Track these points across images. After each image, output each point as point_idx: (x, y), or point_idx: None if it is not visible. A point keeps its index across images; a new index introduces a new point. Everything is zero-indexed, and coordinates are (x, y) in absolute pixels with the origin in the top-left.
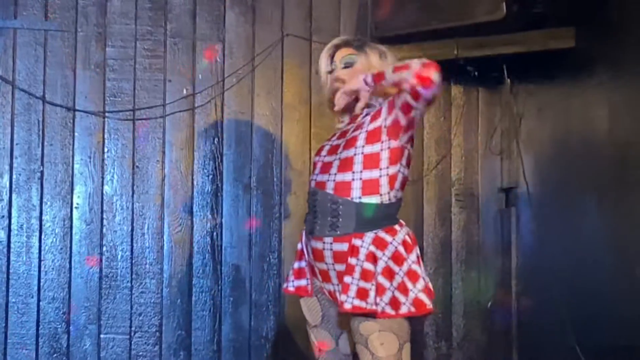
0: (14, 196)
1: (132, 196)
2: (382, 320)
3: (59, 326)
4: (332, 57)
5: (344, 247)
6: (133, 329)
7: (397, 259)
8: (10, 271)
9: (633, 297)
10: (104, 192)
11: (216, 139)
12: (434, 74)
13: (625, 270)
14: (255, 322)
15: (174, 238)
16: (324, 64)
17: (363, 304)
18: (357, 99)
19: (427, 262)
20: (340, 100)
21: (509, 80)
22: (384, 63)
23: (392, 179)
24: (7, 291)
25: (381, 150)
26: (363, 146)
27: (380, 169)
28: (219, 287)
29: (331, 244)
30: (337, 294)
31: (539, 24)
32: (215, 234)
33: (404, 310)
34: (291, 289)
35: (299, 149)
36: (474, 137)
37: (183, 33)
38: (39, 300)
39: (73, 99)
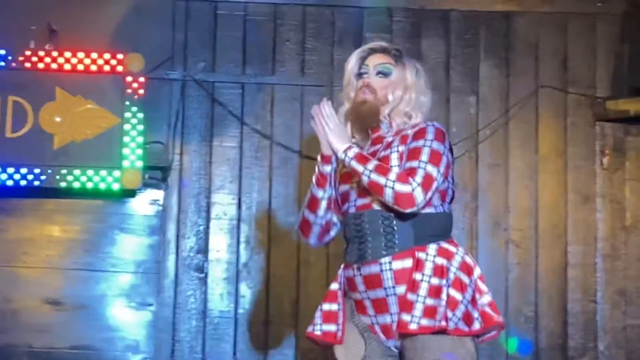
0: (272, 248)
1: None
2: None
3: None
4: (363, 59)
5: (407, 263)
6: None
7: (466, 269)
8: (269, 322)
9: None
10: None
11: (470, 191)
12: (417, 194)
13: None
14: None
15: None
16: (353, 64)
17: (431, 323)
18: (374, 116)
19: None
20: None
21: None
22: (418, 82)
23: (442, 194)
24: (267, 342)
25: None
26: (398, 166)
27: None
28: None
29: (390, 263)
30: (394, 325)
31: None
32: None
33: (476, 326)
34: (318, 332)
35: (554, 201)
36: None
37: (437, 85)
38: (296, 349)
39: None
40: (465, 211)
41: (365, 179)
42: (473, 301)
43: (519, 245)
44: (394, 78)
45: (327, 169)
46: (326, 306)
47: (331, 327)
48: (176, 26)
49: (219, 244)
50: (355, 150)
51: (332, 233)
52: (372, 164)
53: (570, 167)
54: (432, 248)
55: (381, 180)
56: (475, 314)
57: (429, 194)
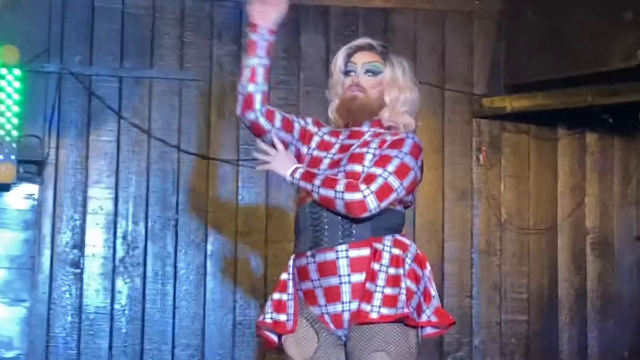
0: (149, 244)
1: (266, 244)
2: (395, 354)
3: None
4: (349, 57)
5: (364, 252)
6: None
7: (419, 262)
8: (145, 318)
9: None
10: (238, 239)
11: None
12: (368, 201)
13: None
14: None
15: None
16: (340, 62)
17: (392, 311)
18: (364, 112)
19: (561, 311)
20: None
21: None
22: (406, 80)
23: (401, 201)
24: (142, 338)
25: None
26: (370, 167)
27: None
28: None
29: (347, 251)
30: (347, 314)
31: None
32: None
33: (423, 318)
34: (269, 320)
35: (431, 197)
36: (609, 185)
37: (316, 82)
38: (173, 347)
39: (207, 147)
40: None
41: (315, 196)
42: (425, 294)
43: None
44: (383, 77)
45: (254, 37)
46: (276, 295)
47: (281, 317)
48: (52, 18)
49: (95, 239)
50: (300, 170)
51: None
52: (318, 180)
53: (447, 163)
54: (388, 239)
55: (330, 193)
56: (425, 307)
57: (384, 203)
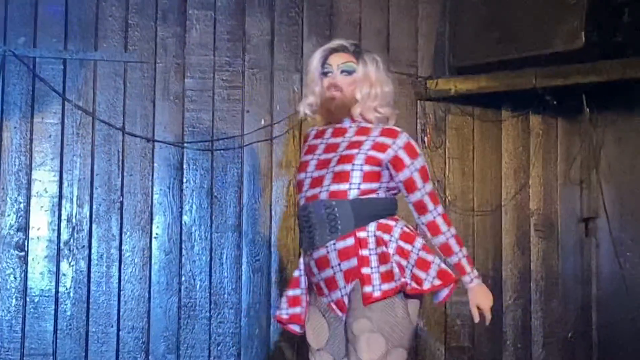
0: (94, 226)
1: (211, 226)
2: (376, 320)
3: (138, 356)
4: (325, 59)
5: (349, 242)
6: (211, 359)
7: (407, 238)
8: (90, 300)
9: None
10: (183, 222)
11: (294, 169)
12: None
13: None
14: None
15: (252, 268)
16: (316, 63)
17: (392, 285)
18: (343, 111)
19: (505, 292)
20: None
21: (588, 110)
22: (380, 74)
23: (391, 189)
24: (87, 320)
25: (381, 170)
26: (362, 165)
27: (380, 183)
28: None
29: (334, 244)
30: (345, 298)
31: (619, 53)
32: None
33: (426, 286)
34: (285, 316)
35: None
36: (552, 167)
37: (261, 64)
38: (118, 330)
39: (152, 129)
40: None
41: (461, 257)
42: (419, 264)
43: None
44: (358, 74)
45: None
46: (290, 292)
47: (296, 310)
48: None
49: (40, 221)
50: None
51: None
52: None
53: None
54: (372, 225)
55: (442, 239)
56: (424, 275)
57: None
